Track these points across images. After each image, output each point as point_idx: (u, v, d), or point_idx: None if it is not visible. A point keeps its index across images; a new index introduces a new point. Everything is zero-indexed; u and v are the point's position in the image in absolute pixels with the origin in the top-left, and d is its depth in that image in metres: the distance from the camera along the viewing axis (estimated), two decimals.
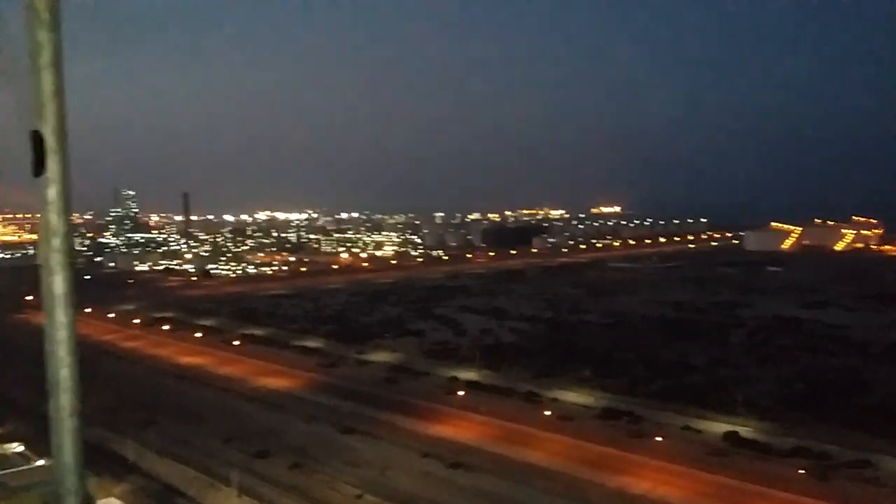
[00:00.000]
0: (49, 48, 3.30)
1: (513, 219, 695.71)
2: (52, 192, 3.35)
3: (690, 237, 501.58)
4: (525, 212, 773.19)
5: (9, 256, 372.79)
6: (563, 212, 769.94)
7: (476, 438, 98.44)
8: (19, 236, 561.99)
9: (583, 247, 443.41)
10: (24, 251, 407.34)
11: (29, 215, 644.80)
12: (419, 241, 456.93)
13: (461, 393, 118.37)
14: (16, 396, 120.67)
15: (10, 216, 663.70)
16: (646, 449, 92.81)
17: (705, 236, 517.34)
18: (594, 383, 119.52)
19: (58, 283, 3.39)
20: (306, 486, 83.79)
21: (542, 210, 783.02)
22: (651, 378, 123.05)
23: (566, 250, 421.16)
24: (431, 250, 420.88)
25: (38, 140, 3.32)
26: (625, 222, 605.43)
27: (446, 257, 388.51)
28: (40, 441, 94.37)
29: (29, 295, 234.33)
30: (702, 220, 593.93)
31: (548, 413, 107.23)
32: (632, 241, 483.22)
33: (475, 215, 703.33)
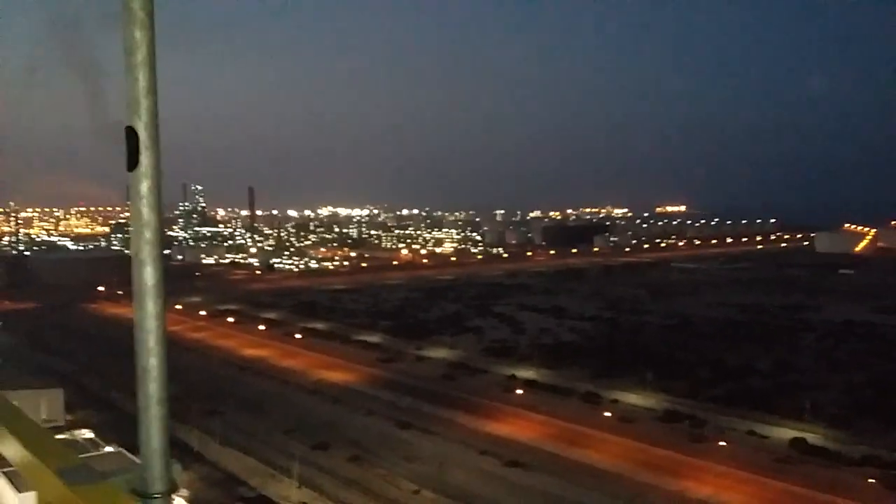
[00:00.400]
0: (144, 47, 3.37)
1: (574, 217, 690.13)
2: (145, 187, 3.41)
3: (758, 238, 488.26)
4: (587, 210, 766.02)
5: (82, 248, 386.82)
6: (626, 210, 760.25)
7: (534, 437, 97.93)
8: (92, 228, 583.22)
9: (646, 246, 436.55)
10: (97, 243, 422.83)
11: (101, 208, 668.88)
12: (479, 238, 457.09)
13: (519, 391, 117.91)
14: (87, 383, 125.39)
15: (84, 209, 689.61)
16: (708, 453, 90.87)
17: (774, 237, 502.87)
18: (655, 385, 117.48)
19: (149, 275, 3.41)
20: (364, 480, 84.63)
21: (604, 208, 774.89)
22: (715, 381, 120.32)
23: (629, 249, 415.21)
24: (491, 248, 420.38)
25: (131, 136, 3.36)
26: (690, 221, 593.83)
27: (506, 255, 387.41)
28: (109, 428, 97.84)
29: (100, 286, 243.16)
30: (771, 220, 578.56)
31: (607, 414, 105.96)
32: (697, 241, 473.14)
33: (536, 213, 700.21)
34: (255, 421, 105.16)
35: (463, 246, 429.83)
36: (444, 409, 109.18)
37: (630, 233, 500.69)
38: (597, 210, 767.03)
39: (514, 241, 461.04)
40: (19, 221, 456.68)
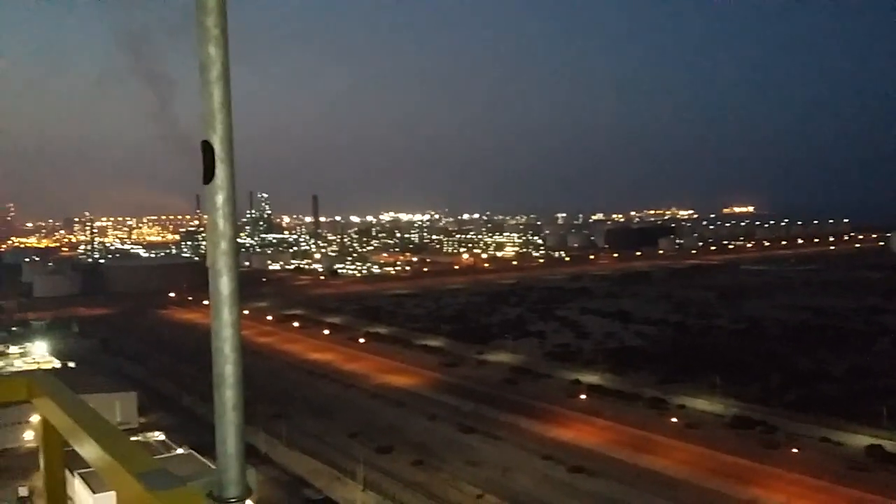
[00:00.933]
0: (218, 63, 3.43)
1: (638, 219, 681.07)
2: (220, 198, 3.48)
3: (831, 238, 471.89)
4: (651, 212, 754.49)
5: (154, 256, 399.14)
6: (691, 211, 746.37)
7: (598, 443, 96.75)
8: (163, 237, 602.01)
9: (713, 248, 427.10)
10: (167, 250, 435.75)
11: (171, 216, 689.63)
12: (540, 242, 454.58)
13: (583, 396, 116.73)
14: (159, 387, 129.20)
15: (155, 217, 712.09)
16: (780, 461, 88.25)
17: (847, 238, 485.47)
18: (724, 391, 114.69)
19: (224, 284, 3.51)
20: (428, 484, 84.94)
21: (669, 210, 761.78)
22: (786, 387, 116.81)
23: (695, 252, 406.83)
24: (553, 251, 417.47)
25: (207, 149, 3.44)
26: (759, 222, 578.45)
27: (568, 258, 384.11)
28: (180, 430, 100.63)
29: (171, 292, 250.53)
30: (844, 220, 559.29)
31: (674, 420, 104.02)
32: (766, 243, 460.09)
33: (598, 216, 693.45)
34: (320, 424, 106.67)
35: (524, 250, 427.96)
36: (507, 414, 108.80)
37: (696, 234, 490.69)
38: (661, 212, 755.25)
39: (576, 245, 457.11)
40: (94, 231, 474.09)
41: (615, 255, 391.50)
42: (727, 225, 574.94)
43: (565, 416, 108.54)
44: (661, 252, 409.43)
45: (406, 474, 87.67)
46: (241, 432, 3.59)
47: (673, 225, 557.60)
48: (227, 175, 3.47)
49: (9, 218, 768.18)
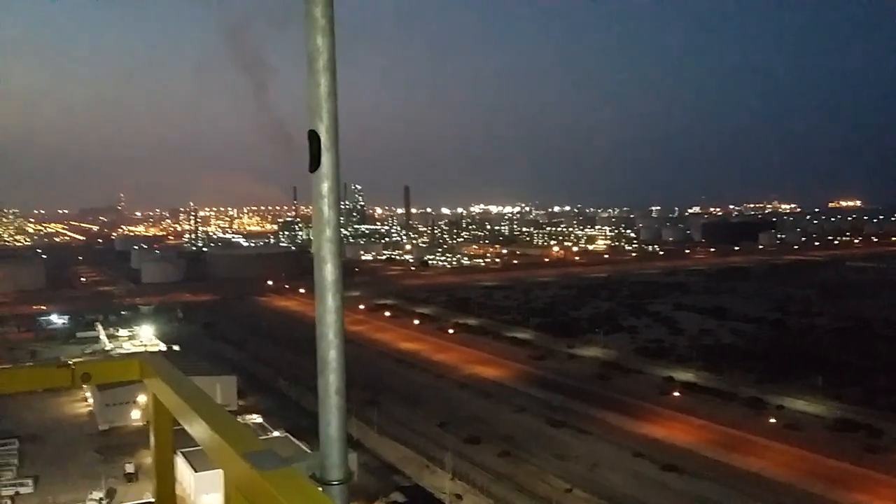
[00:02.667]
0: (325, 53, 3.52)
1: (737, 213, 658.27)
2: (325, 187, 3.59)
3: None
4: (751, 205, 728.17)
5: (253, 245, 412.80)
6: (794, 205, 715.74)
7: (692, 442, 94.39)
8: (262, 226, 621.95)
9: (817, 244, 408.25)
10: (266, 240, 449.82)
11: (270, 207, 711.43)
12: (633, 235, 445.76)
13: (676, 394, 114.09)
14: (256, 371, 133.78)
15: (254, 207, 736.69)
16: (886, 466, 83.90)
17: None
18: (826, 391, 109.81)
19: (329, 271, 3.64)
20: (516, 476, 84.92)
21: (770, 204, 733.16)
22: (892, 389, 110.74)
23: (797, 247, 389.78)
24: (646, 245, 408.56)
25: (313, 138, 3.54)
26: (867, 217, 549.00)
27: (662, 253, 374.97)
28: (276, 414, 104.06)
29: (269, 279, 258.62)
30: None
31: (772, 420, 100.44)
32: (875, 239, 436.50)
33: (695, 209, 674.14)
34: (410, 412, 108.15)
35: (616, 243, 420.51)
36: (597, 409, 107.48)
37: (799, 229, 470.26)
38: (762, 205, 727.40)
39: (670, 239, 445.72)
40: (198, 220, 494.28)
41: (712, 249, 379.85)
42: (832, 219, 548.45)
43: (657, 413, 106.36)
44: (760, 247, 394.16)
45: (494, 465, 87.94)
46: (344, 416, 3.71)
47: (774, 219, 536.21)
48: (333, 164, 3.58)
49: (119, 208, 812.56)
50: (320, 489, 3.55)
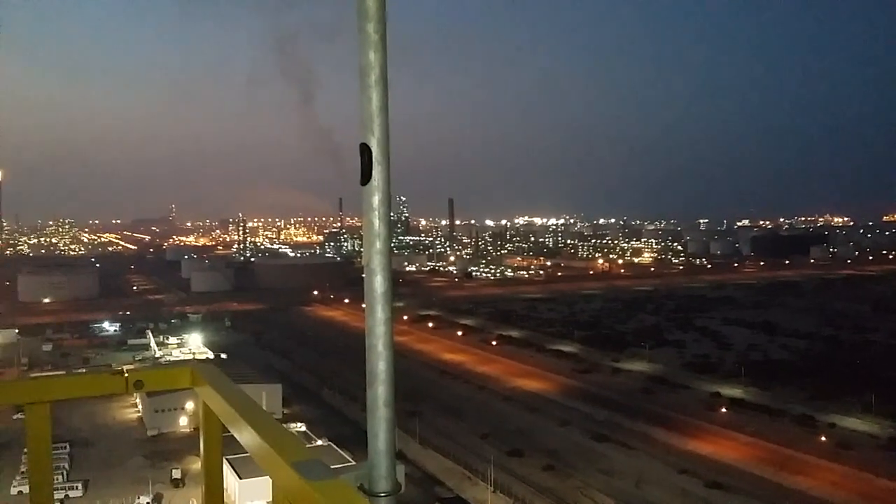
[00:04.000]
0: (377, 68, 3.55)
1: (787, 226, 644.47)
2: (376, 199, 3.60)
3: None
4: (802, 218, 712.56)
5: (300, 255, 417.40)
6: (847, 219, 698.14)
7: (739, 459, 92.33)
8: (308, 237, 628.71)
9: (871, 258, 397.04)
10: (312, 250, 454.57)
11: (316, 218, 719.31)
12: (680, 248, 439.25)
13: (723, 410, 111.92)
14: (301, 380, 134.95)
15: (301, 219, 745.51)
16: None
17: None
18: (879, 410, 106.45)
19: (379, 282, 3.67)
20: (559, 490, 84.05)
21: (822, 217, 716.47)
22: None
23: (850, 262, 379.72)
24: (694, 258, 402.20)
25: (365, 152, 3.57)
26: None
27: (710, 266, 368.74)
28: (320, 423, 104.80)
29: (315, 290, 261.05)
30: None
31: (823, 439, 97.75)
32: None
33: (744, 222, 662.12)
34: (452, 424, 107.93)
35: (662, 256, 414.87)
36: (643, 424, 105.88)
37: (852, 243, 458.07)
38: (813, 218, 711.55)
39: (718, 252, 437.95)
40: (246, 231, 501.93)
41: (761, 263, 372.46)
42: (887, 233, 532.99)
43: (704, 429, 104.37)
44: (812, 261, 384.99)
45: (537, 479, 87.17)
46: (393, 428, 3.70)
47: (826, 233, 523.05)
48: (384, 177, 3.63)
49: (170, 218, 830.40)
50: (368, 501, 3.55)
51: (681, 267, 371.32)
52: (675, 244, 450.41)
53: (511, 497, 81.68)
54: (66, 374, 6.09)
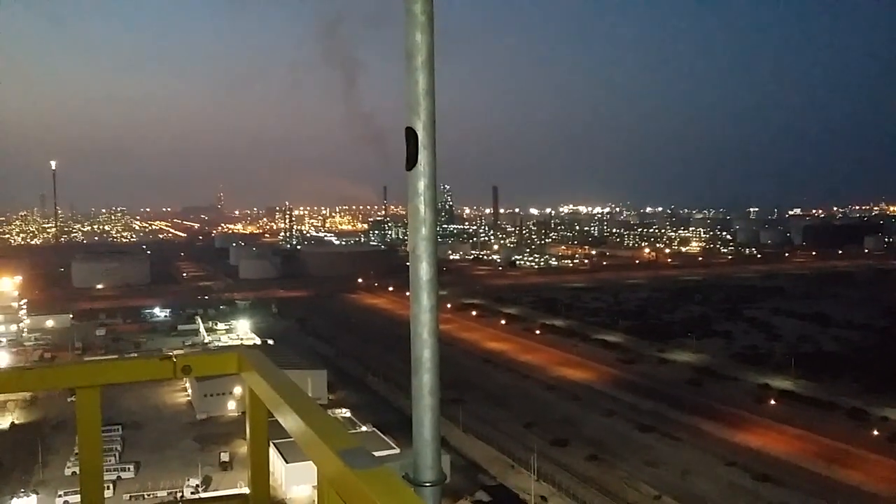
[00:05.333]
0: (424, 50, 3.50)
1: (840, 215, 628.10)
2: (422, 185, 3.56)
3: None
4: (856, 207, 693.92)
5: (344, 243, 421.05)
6: None
7: (788, 452, 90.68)
8: (353, 225, 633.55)
9: None
10: (356, 238, 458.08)
11: (361, 206, 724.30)
12: (729, 237, 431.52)
13: (772, 402, 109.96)
14: (345, 367, 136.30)
15: (346, 207, 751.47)
16: None
17: None
18: None
19: (424, 269, 3.62)
20: (603, 480, 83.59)
21: (877, 206, 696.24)
22: None
23: None
24: (743, 248, 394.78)
25: (411, 136, 3.52)
26: None
27: (760, 256, 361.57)
28: (364, 409, 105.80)
29: (359, 277, 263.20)
30: None
31: (875, 433, 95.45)
32: None
33: (795, 211, 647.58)
34: (495, 412, 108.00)
35: (711, 246, 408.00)
36: (689, 416, 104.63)
37: None
38: (867, 207, 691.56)
39: (769, 241, 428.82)
40: (293, 219, 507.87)
41: (813, 253, 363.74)
42: None
43: (752, 421, 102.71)
44: (866, 251, 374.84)
45: (581, 468, 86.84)
46: (438, 417, 3.65)
47: (881, 222, 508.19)
48: (430, 162, 3.55)
49: (219, 206, 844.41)
50: (413, 490, 3.51)
51: (730, 257, 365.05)
52: (724, 233, 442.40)
53: (555, 486, 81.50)
54: (117, 359, 6.19)
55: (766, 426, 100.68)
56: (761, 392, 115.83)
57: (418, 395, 3.65)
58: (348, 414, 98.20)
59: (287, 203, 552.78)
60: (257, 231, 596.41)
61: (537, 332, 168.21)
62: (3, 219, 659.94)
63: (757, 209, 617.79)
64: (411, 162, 3.55)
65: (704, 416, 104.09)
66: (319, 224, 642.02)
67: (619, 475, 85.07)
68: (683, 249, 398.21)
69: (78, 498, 5.11)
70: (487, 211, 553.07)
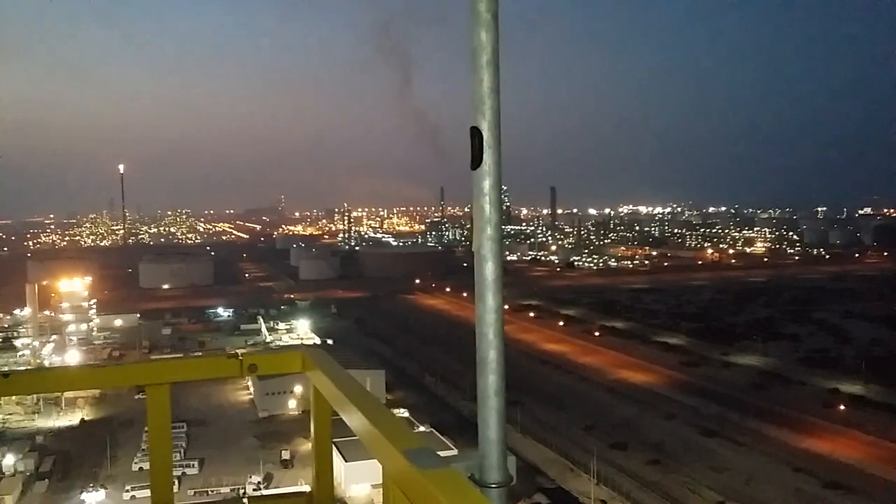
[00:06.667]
0: (489, 48, 3.46)
1: None
2: (487, 184, 3.51)
3: None
4: None
5: (401, 244, 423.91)
6: None
7: (859, 459, 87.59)
8: (410, 226, 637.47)
9: None
10: (414, 239, 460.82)
11: (418, 207, 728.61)
12: (796, 238, 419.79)
13: (842, 407, 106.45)
14: (403, 367, 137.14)
15: (403, 208, 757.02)
16: None
17: None
18: None
19: (489, 269, 3.58)
20: (664, 485, 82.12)
21: None
22: None
23: None
24: (811, 248, 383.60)
25: (476, 135, 3.48)
26: None
27: (828, 256, 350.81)
28: (422, 409, 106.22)
29: (417, 278, 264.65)
30: None
31: None
32: None
33: (866, 210, 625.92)
34: (553, 414, 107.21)
35: (777, 246, 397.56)
36: (754, 420, 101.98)
37: None
38: None
39: (838, 242, 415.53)
40: (351, 220, 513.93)
41: (885, 253, 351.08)
42: None
43: (820, 426, 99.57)
44: None
45: (641, 473, 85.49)
46: (503, 418, 3.59)
47: None
48: (495, 161, 3.48)
49: (280, 208, 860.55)
50: (479, 491, 3.43)
51: (797, 257, 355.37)
52: (791, 233, 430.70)
53: (615, 490, 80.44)
54: (186, 357, 6.30)
55: (835, 432, 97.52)
56: (830, 397, 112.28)
57: (484, 396, 3.59)
58: (406, 414, 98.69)
59: (346, 205, 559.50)
60: (317, 232, 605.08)
61: (596, 333, 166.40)
62: (74, 221, 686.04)
63: (825, 208, 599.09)
64: (476, 161, 3.50)
65: (770, 421, 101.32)
66: (377, 225, 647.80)
67: (681, 480, 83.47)
68: (748, 250, 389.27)
69: (144, 493, 5.20)
70: (545, 211, 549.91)
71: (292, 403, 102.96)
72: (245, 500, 5.27)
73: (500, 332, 3.58)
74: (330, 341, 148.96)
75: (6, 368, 7.81)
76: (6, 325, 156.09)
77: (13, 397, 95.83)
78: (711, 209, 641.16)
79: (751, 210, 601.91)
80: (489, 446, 3.53)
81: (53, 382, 5.69)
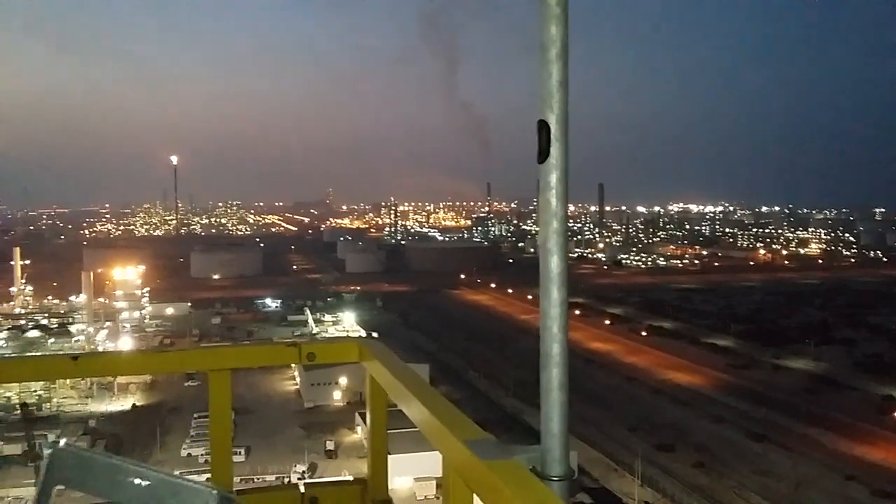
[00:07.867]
0: (559, 42, 3.42)
1: None
2: (553, 178, 3.46)
3: None
4: None
5: (447, 239, 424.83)
6: None
7: None
8: (456, 221, 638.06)
9: None
10: (460, 234, 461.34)
11: (464, 203, 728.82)
12: (853, 239, 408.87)
13: None
14: (447, 361, 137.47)
15: (449, 203, 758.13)
16: None
17: None
18: None
19: (555, 263, 3.52)
20: (710, 488, 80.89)
21: None
22: None
23: None
24: (868, 250, 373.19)
25: (543, 128, 3.45)
26: None
27: (886, 259, 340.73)
28: (464, 404, 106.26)
29: (462, 273, 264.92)
30: None
31: None
32: None
33: None
34: (598, 414, 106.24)
35: (832, 248, 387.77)
36: (804, 425, 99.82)
37: None
38: None
39: None
40: (398, 214, 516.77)
41: None
42: None
43: (874, 434, 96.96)
44: None
45: (687, 475, 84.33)
46: (566, 412, 3.54)
47: None
48: (562, 154, 3.44)
49: (327, 201, 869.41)
50: (542, 483, 3.43)
51: (853, 259, 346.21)
52: (847, 235, 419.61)
53: (659, 492, 79.51)
54: (247, 344, 6.40)
55: (889, 440, 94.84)
56: (885, 403, 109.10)
57: (547, 389, 3.55)
58: None
59: (392, 199, 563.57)
60: (364, 226, 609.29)
61: (643, 333, 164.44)
62: (128, 211, 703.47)
63: (883, 210, 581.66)
64: (543, 155, 3.44)
65: (821, 427, 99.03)
66: (423, 220, 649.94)
67: (728, 484, 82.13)
68: (802, 251, 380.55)
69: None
70: (593, 208, 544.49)
71: (337, 395, 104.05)
72: (301, 487, 5.33)
73: (564, 326, 3.52)
74: (375, 334, 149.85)
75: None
76: (62, 312, 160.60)
77: (67, 381, 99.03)
78: (764, 209, 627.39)
79: (805, 210, 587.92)
80: (552, 440, 3.49)
81: (119, 366, 5.85)
